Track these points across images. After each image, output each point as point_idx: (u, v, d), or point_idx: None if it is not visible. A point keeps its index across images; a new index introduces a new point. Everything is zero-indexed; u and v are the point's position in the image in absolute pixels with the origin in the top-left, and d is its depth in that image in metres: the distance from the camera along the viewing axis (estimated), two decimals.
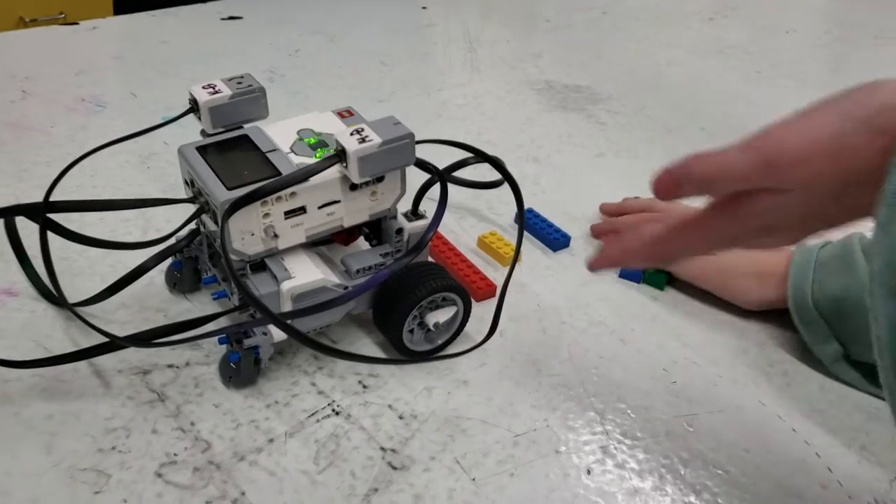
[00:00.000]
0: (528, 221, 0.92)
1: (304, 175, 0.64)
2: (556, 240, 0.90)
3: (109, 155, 0.97)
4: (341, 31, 1.44)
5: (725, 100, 1.26)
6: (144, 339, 0.67)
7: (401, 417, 0.68)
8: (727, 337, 0.80)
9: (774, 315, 0.82)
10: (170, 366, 0.70)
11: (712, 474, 0.65)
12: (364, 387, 0.71)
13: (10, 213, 0.69)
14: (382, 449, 0.65)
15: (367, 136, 0.64)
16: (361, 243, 0.76)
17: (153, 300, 0.77)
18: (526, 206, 0.95)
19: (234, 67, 1.21)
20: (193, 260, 0.77)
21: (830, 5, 1.78)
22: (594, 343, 0.78)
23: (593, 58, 1.38)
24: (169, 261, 0.77)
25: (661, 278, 0.85)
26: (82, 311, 0.75)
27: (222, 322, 0.72)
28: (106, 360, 0.70)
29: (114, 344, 0.65)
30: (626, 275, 0.86)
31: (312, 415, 0.67)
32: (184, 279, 0.78)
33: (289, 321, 0.65)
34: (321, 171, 0.64)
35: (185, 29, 1.39)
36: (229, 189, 0.63)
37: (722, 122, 1.19)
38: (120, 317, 0.75)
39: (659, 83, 1.30)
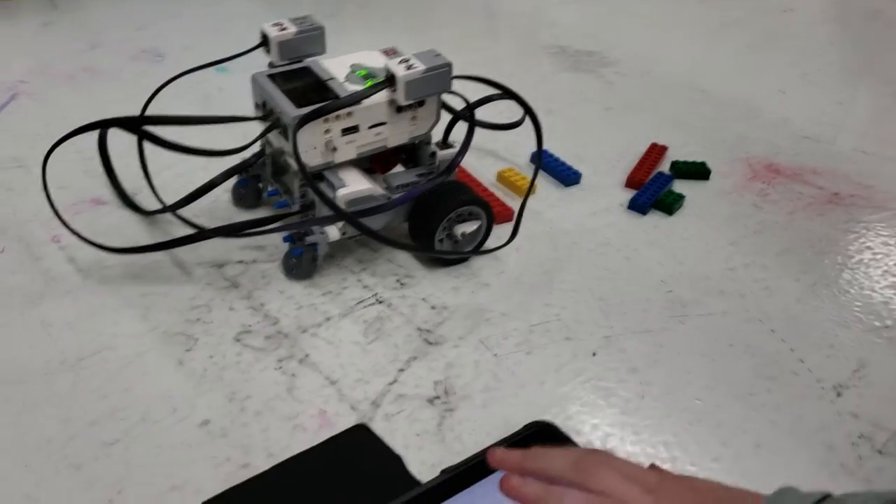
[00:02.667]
0: (544, 159, 1.03)
1: (359, 97, 0.76)
2: (568, 176, 1.02)
3: (173, 97, 1.10)
4: (370, 2, 1.56)
5: (724, 69, 1.38)
6: (231, 230, 0.79)
7: (433, 308, 0.80)
8: (718, 259, 0.91)
9: (759, 242, 0.94)
10: (240, 261, 0.83)
11: (700, 360, 0.77)
12: (401, 284, 0.83)
13: (110, 124, 0.80)
14: (419, 329, 0.77)
15: (412, 64, 0.76)
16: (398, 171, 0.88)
17: (221, 213, 0.90)
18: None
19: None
20: (256, 178, 0.90)
21: None
22: (601, 259, 0.90)
23: (603, 29, 1.50)
24: (234, 179, 0.89)
25: (673, 204, 0.97)
26: (162, 217, 0.87)
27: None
28: (185, 255, 0.83)
29: (202, 235, 0.77)
30: (634, 206, 0.98)
31: (360, 302, 0.80)
32: (248, 195, 0.90)
33: (345, 220, 0.78)
34: (373, 94, 0.76)
35: None
36: (298, 107, 0.75)
37: (720, 87, 1.30)
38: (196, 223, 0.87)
39: (662, 53, 1.42)
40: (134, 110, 0.82)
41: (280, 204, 0.85)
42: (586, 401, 0.71)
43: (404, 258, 0.86)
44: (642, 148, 1.11)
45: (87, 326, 0.74)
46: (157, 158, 0.84)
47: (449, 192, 0.83)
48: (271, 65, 0.84)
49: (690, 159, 1.09)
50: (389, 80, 0.76)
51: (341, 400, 0.69)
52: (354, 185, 0.79)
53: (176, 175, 0.94)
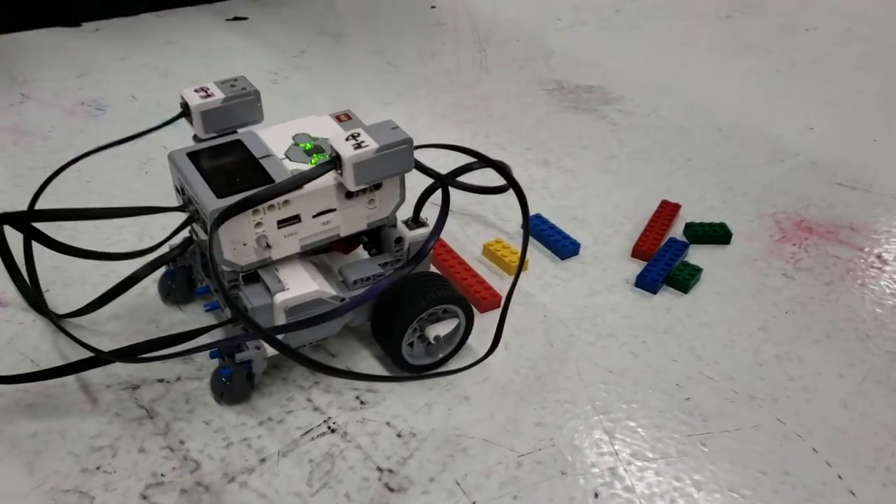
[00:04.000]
0: (536, 228, 0.89)
1: (298, 182, 0.61)
2: (564, 247, 0.86)
3: (107, 159, 0.95)
4: (348, 32, 1.41)
5: (743, 100, 1.22)
6: (131, 353, 0.64)
7: (399, 436, 0.65)
8: (745, 351, 0.76)
9: (793, 325, 0.79)
10: (160, 380, 0.68)
11: (727, 498, 0.62)
12: (362, 403, 0.68)
13: None
14: (379, 469, 0.62)
15: (363, 142, 0.61)
16: (362, 251, 0.73)
17: (145, 311, 0.75)
18: (534, 211, 0.92)
19: (237, 69, 1.19)
20: (187, 269, 0.75)
21: (851, 1, 1.73)
22: (603, 357, 0.74)
23: (606, 57, 1.34)
24: (162, 270, 0.75)
25: (689, 280, 0.82)
26: (74, 322, 0.72)
27: (216, 335, 0.70)
28: (94, 375, 0.68)
29: (100, 359, 0.62)
30: (642, 284, 0.83)
31: (307, 432, 0.65)
32: (178, 289, 0.75)
33: (282, 335, 0.63)
34: (315, 178, 0.61)
35: (189, 30, 1.36)
36: (219, 197, 0.60)
37: (739, 123, 1.15)
38: (111, 328, 0.73)
39: (673, 83, 1.27)
40: (58, 180, 0.68)
41: (211, 305, 0.70)
42: None
43: (366, 366, 0.71)
44: (651, 206, 0.95)
45: None
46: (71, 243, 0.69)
47: (420, 286, 0.68)
48: (196, 138, 0.69)
49: (707, 219, 0.94)
50: (334, 162, 0.61)
51: None
52: (298, 288, 0.64)
53: (95, 265, 0.79)
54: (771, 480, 0.64)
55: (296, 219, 0.63)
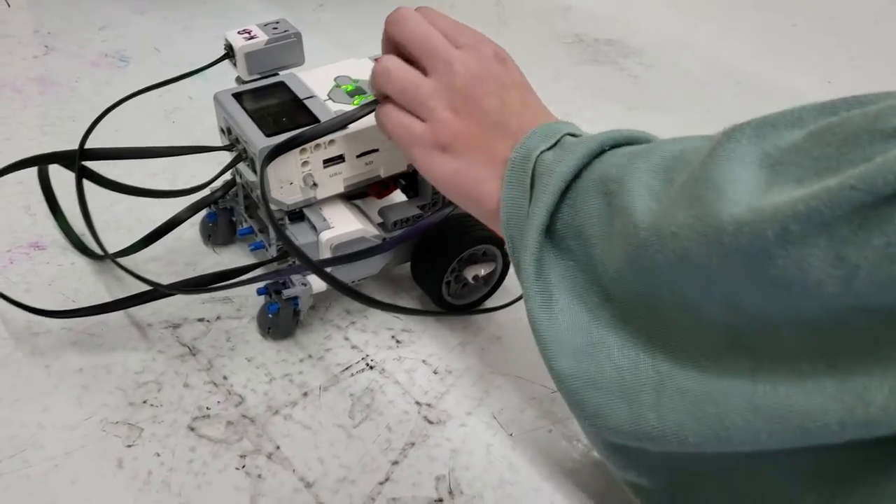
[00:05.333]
0: None
1: (344, 122, 0.62)
2: None
3: (132, 109, 0.96)
4: None
5: (761, 54, 1.22)
6: (190, 285, 0.65)
7: (435, 372, 0.67)
8: None
9: None
10: (200, 319, 0.69)
11: None
12: (397, 342, 0.69)
13: (45, 160, 0.67)
14: (418, 403, 0.64)
15: None
16: (397, 196, 0.74)
17: (183, 254, 0.76)
18: None
19: (257, 22, 1.19)
20: (228, 211, 0.76)
21: None
22: None
23: (623, 11, 1.34)
24: (203, 213, 0.75)
25: None
26: (110, 264, 0.73)
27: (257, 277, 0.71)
28: (135, 314, 0.69)
29: (156, 293, 0.63)
30: None
31: (346, 369, 0.66)
32: (218, 231, 0.76)
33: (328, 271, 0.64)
34: (360, 117, 0.62)
35: None
36: (268, 136, 0.61)
37: (758, 76, 1.15)
38: (151, 269, 0.74)
39: (692, 37, 1.26)
40: (99, 120, 0.69)
41: (255, 245, 0.70)
42: (623, 501, 0.58)
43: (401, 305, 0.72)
44: None
45: (9, 416, 0.60)
46: (106, 191, 0.69)
47: (459, 227, 0.69)
48: (239, 80, 0.70)
49: None
50: (379, 101, 0.62)
51: None
52: (342, 227, 0.64)
53: (128, 210, 0.80)
54: None
55: (340, 158, 0.64)
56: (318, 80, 0.68)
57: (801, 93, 1.11)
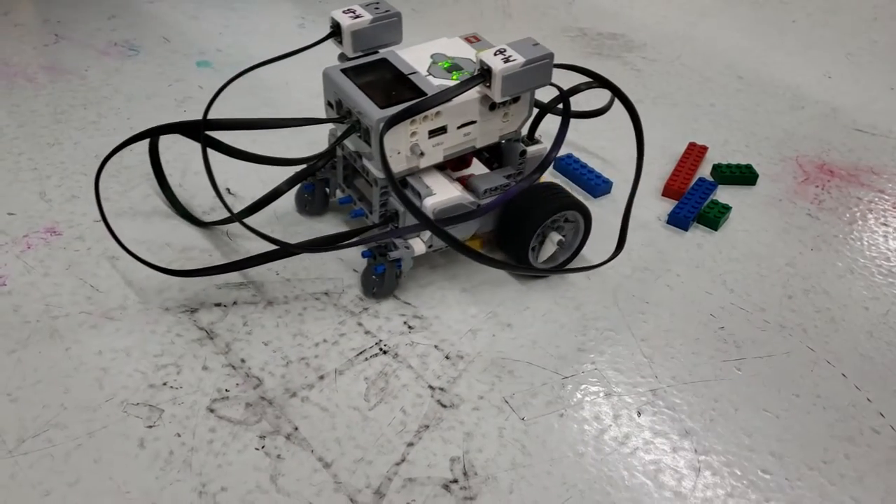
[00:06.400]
0: (569, 167, 0.91)
1: (452, 94, 0.66)
2: (597, 185, 0.88)
3: (144, 100, 0.97)
4: None
5: (762, 50, 1.24)
6: (313, 245, 0.71)
7: (447, 357, 0.68)
8: (774, 284, 0.79)
9: (818, 261, 0.82)
10: (217, 304, 0.70)
11: (763, 417, 0.65)
12: (410, 328, 0.70)
13: (171, 130, 0.71)
14: (431, 387, 0.65)
15: (510, 56, 0.66)
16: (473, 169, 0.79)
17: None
18: (565, 151, 0.94)
19: (265, 13, 1.20)
20: (324, 182, 0.80)
21: None
22: (640, 288, 0.77)
23: (626, 6, 1.35)
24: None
25: (720, 218, 0.85)
26: (220, 229, 0.78)
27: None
28: (152, 297, 0.70)
29: (282, 252, 0.69)
30: (674, 221, 0.85)
31: (361, 353, 0.67)
32: (314, 202, 0.81)
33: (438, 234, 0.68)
34: (466, 90, 0.67)
35: None
36: (382, 108, 0.66)
37: (759, 71, 1.17)
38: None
39: (693, 32, 1.28)
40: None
41: (355, 213, 0.75)
42: (632, 483, 0.59)
43: (411, 294, 0.74)
44: (678, 148, 0.98)
45: (32, 397, 0.61)
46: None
47: (544, 194, 0.74)
48: (342, 57, 0.74)
49: (734, 161, 0.96)
50: (483, 75, 0.66)
51: (337, 490, 0.56)
52: (443, 193, 0.69)
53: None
54: (803, 402, 0.67)
55: (443, 130, 0.69)
56: (415, 57, 0.73)
57: (800, 87, 1.13)
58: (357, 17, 0.72)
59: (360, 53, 0.74)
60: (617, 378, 0.67)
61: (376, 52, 0.74)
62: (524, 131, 0.76)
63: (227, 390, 0.63)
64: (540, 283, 0.76)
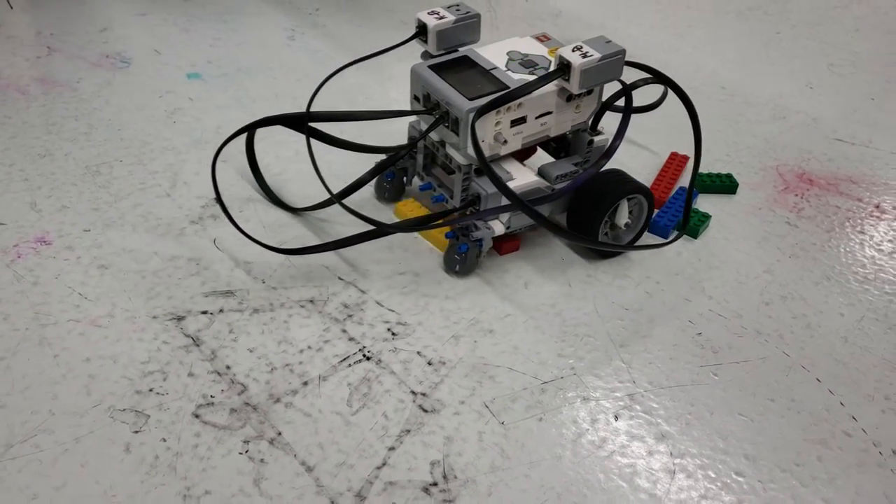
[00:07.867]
0: None
1: (534, 87, 0.73)
2: None
3: (134, 110, 0.98)
4: None
5: (745, 61, 1.26)
6: (405, 226, 0.78)
7: (429, 363, 0.69)
8: (752, 291, 0.80)
9: (796, 268, 0.83)
10: (203, 312, 0.71)
11: (738, 421, 0.67)
12: (393, 334, 0.72)
13: (274, 122, 0.78)
14: (413, 393, 0.66)
15: (587, 52, 0.73)
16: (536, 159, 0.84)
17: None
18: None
19: (255, 25, 1.22)
20: (403, 171, 0.87)
21: None
22: (619, 295, 0.78)
23: (611, 18, 1.37)
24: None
25: (699, 226, 0.87)
26: (308, 214, 0.84)
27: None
28: (140, 306, 0.71)
29: (382, 231, 0.76)
30: (654, 229, 0.86)
31: (344, 359, 0.69)
32: (392, 189, 0.87)
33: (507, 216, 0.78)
34: (547, 83, 0.73)
35: None
36: (470, 99, 0.72)
37: (742, 82, 1.19)
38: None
39: (678, 44, 1.30)
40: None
41: (437, 198, 0.82)
42: (608, 486, 0.61)
43: (395, 302, 0.75)
44: (661, 157, 0.99)
45: (20, 403, 0.62)
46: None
47: (612, 179, 0.80)
48: (426, 55, 0.82)
49: (715, 170, 0.98)
50: (563, 69, 0.73)
51: (319, 493, 0.58)
52: (522, 178, 0.77)
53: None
54: (778, 406, 0.68)
55: (523, 120, 0.75)
56: (493, 54, 0.80)
57: (783, 97, 1.15)
58: (441, 17, 0.80)
59: (443, 51, 0.81)
60: (595, 383, 0.69)
61: (456, 51, 0.81)
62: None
63: (212, 396, 0.64)
64: (521, 291, 0.78)
